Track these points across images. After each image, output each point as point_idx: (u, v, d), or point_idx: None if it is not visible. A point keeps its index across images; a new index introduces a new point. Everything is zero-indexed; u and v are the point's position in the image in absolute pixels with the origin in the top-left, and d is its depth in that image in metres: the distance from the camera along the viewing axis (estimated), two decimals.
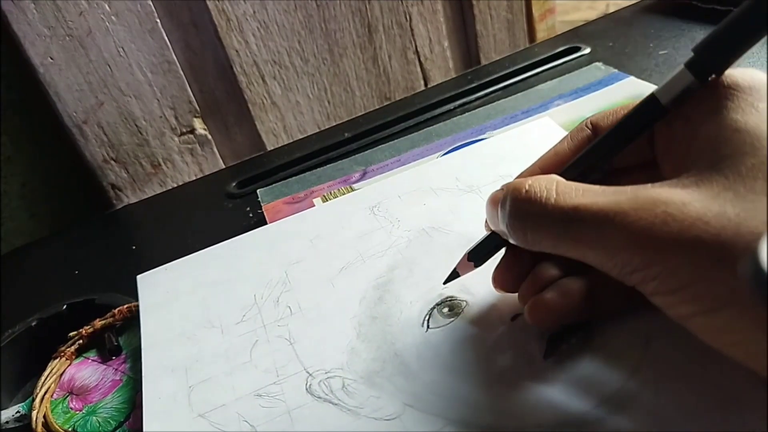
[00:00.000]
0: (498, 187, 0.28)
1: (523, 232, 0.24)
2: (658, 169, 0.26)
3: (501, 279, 0.29)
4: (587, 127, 0.28)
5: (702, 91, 0.23)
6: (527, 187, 0.24)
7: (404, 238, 0.36)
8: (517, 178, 0.29)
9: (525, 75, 0.56)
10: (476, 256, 0.30)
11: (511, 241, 0.26)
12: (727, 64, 0.24)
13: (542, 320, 0.27)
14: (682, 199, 0.21)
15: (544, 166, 0.29)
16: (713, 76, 0.24)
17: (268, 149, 0.59)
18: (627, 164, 0.27)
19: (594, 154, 0.27)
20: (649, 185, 0.22)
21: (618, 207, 0.21)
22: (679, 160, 0.24)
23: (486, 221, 0.29)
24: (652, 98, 0.25)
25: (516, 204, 0.24)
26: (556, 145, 0.29)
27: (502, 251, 0.29)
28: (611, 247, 0.22)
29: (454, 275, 0.31)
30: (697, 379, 0.24)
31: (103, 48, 0.50)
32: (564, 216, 0.23)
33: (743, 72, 0.23)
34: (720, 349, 0.21)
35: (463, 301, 0.31)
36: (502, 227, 0.26)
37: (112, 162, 0.53)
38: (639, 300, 0.26)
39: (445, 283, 0.31)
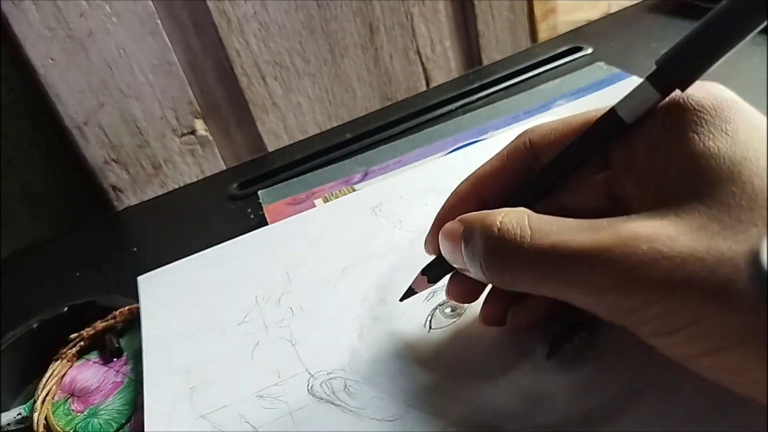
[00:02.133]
0: None
1: (500, 273, 0.23)
2: (610, 193, 0.25)
3: (456, 291, 0.28)
4: (525, 145, 0.27)
5: (666, 118, 0.22)
6: (499, 224, 0.23)
7: (406, 238, 0.36)
8: (451, 196, 0.28)
9: (527, 75, 0.56)
10: (431, 273, 0.29)
11: (484, 281, 0.25)
12: (692, 78, 0.22)
13: (521, 325, 0.27)
14: (667, 233, 0.20)
15: (478, 184, 0.28)
16: (677, 90, 0.23)
17: (269, 150, 0.59)
18: (576, 189, 0.26)
19: (546, 177, 0.25)
20: (625, 218, 0.21)
21: (600, 244, 0.20)
22: (647, 191, 0.23)
23: (426, 243, 0.28)
24: (612, 113, 0.24)
25: (489, 243, 0.23)
26: (491, 160, 0.28)
27: None
28: (599, 289, 0.20)
29: (410, 292, 0.30)
30: (700, 381, 0.24)
31: (103, 49, 0.49)
32: (542, 256, 0.21)
33: (706, 92, 0.22)
34: (729, 387, 0.20)
35: None
36: (469, 265, 0.24)
37: (113, 163, 0.53)
38: None
39: (401, 300, 0.30)
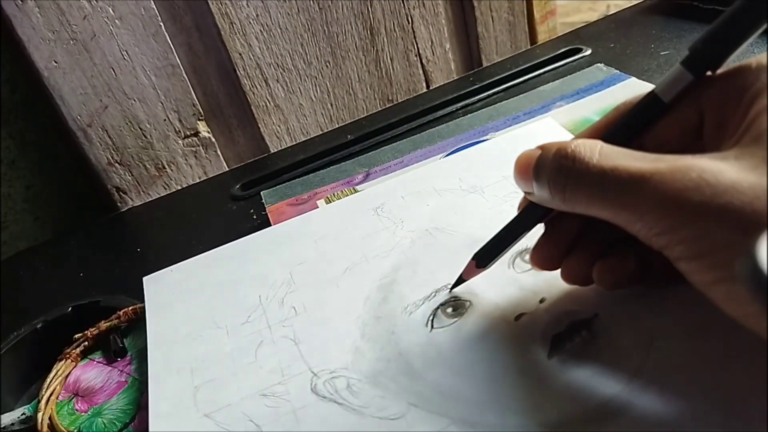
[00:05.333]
0: (502, 188, 0.28)
1: (563, 188, 0.25)
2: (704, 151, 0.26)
3: (539, 257, 0.29)
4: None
5: (759, 72, 0.24)
6: (573, 146, 0.25)
7: (408, 238, 0.36)
8: None
9: (527, 76, 0.56)
10: (482, 258, 0.30)
11: (544, 202, 0.26)
12: (721, 60, 0.24)
13: (610, 282, 0.27)
14: (719, 167, 0.21)
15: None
16: (709, 72, 0.24)
17: (272, 151, 0.59)
18: (674, 149, 0.27)
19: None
20: (690, 155, 0.22)
21: (655, 169, 0.22)
22: (727, 139, 0.24)
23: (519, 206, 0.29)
24: (651, 94, 0.26)
25: (560, 161, 0.25)
26: (588, 129, 0.29)
27: (509, 253, 0.29)
28: (641, 208, 0.22)
29: (460, 281, 0.31)
30: (700, 379, 0.24)
31: (107, 51, 0.50)
32: (602, 175, 0.23)
33: None
34: (740, 320, 0.21)
35: (467, 301, 0.31)
36: (535, 184, 0.26)
37: (117, 165, 0.53)
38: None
39: (451, 289, 0.31)
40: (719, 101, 0.25)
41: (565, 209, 0.25)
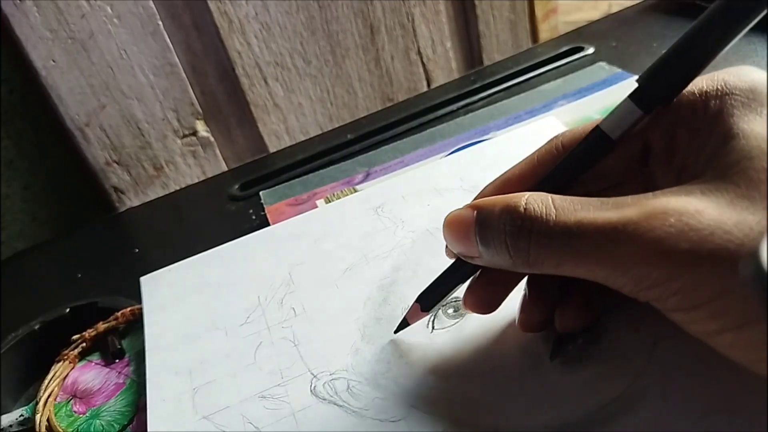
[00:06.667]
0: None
1: (526, 252, 0.23)
2: (649, 184, 0.25)
3: (473, 302, 0.27)
4: (557, 149, 0.26)
5: (708, 102, 0.23)
6: (525, 204, 0.23)
7: (408, 238, 0.36)
8: (477, 198, 0.28)
9: (528, 75, 0.56)
10: (426, 302, 0.28)
11: (499, 266, 0.24)
12: (673, 94, 0.23)
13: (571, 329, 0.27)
14: (695, 207, 0.20)
15: (505, 187, 0.27)
16: (717, 75, 0.23)
17: (271, 151, 0.59)
18: (615, 181, 0.26)
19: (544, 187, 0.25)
20: (650, 194, 0.21)
21: (626, 218, 0.20)
22: (681, 171, 0.23)
23: (447, 248, 0.27)
24: (598, 131, 0.24)
25: (516, 223, 0.23)
26: (520, 163, 0.27)
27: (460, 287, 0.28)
28: (624, 262, 0.20)
29: (404, 324, 0.29)
30: (703, 380, 0.24)
31: (105, 50, 0.49)
32: (567, 232, 0.21)
33: (743, 74, 0.23)
34: (746, 365, 0.20)
35: None
36: (484, 249, 0.24)
37: (115, 165, 0.53)
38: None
39: (395, 332, 0.30)
40: (668, 130, 0.24)
41: (529, 272, 0.23)
